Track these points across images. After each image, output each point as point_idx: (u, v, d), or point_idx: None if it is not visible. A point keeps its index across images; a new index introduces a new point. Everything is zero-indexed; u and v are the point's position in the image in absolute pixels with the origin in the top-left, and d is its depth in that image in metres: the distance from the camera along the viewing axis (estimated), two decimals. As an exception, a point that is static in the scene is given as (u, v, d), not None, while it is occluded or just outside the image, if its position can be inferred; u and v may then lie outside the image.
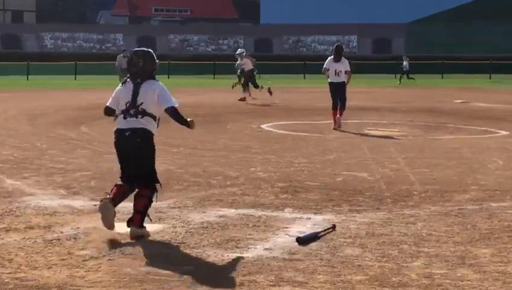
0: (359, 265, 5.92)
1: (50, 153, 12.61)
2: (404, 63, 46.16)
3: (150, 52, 7.10)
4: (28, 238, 6.64)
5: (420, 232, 7.08)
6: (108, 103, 7.24)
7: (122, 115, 6.94)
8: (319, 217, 7.71)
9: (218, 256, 6.12)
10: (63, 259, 5.97)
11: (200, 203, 8.38)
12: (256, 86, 27.93)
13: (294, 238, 6.61)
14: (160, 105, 6.94)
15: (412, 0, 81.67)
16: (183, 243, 6.57)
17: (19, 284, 5.27)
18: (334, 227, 7.11)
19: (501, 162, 11.97)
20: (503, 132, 17.22)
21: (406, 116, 21.46)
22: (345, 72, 17.85)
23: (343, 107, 17.59)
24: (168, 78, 55.84)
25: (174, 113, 7.03)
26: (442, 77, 55.97)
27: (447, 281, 5.50)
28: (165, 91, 6.99)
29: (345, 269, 5.79)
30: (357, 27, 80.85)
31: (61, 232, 6.91)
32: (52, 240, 6.58)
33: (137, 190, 6.94)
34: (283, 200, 8.64)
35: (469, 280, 5.55)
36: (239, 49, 30.98)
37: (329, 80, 17.90)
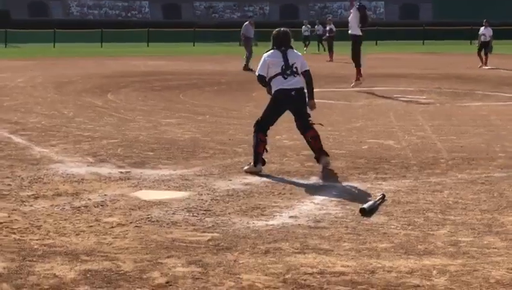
0: (384, 233, 5.92)
1: (77, 121, 12.70)
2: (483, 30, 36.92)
3: (288, 30, 8.79)
4: (56, 205, 6.71)
5: (446, 200, 7.06)
6: (260, 71, 8.63)
7: (281, 76, 8.42)
8: (344, 185, 7.71)
9: (244, 223, 6.15)
10: (91, 226, 6.03)
11: (226, 170, 8.41)
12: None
13: (358, 210, 6.52)
14: (302, 68, 8.53)
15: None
16: (209, 210, 6.60)
17: (47, 251, 5.34)
18: (384, 196, 7.06)
19: (529, 130, 11.85)
20: (532, 99, 17.02)
21: (434, 83, 21.28)
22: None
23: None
24: (194, 45, 55.80)
25: (310, 75, 8.63)
26: (470, 43, 55.33)
27: (473, 249, 5.48)
28: (303, 57, 8.76)
29: (370, 237, 5.79)
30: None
31: (89, 199, 6.98)
32: (79, 207, 6.65)
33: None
34: (308, 168, 8.64)
35: (495, 248, 5.53)
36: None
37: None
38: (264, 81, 8.60)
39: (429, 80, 22.44)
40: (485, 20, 32.21)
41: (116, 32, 58.45)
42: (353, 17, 18.42)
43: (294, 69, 8.44)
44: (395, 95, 17.48)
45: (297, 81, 8.47)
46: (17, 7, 74.68)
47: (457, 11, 73.90)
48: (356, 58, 18.34)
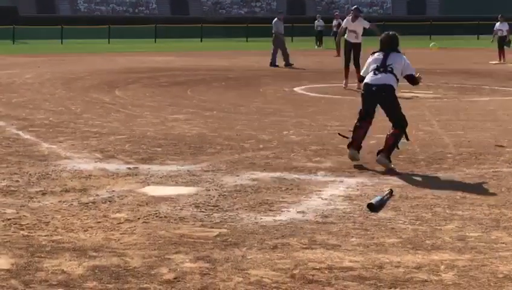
0: (392, 228, 5.92)
1: (85, 117, 12.72)
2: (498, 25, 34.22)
3: (396, 34, 9.26)
4: (64, 201, 6.73)
5: (454, 195, 7.05)
6: (363, 73, 9.18)
7: (372, 72, 8.78)
8: (352, 180, 7.70)
9: (252, 219, 6.16)
10: (99, 222, 6.05)
11: (234, 166, 8.41)
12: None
13: (366, 205, 6.51)
14: (405, 71, 8.96)
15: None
16: (217, 206, 6.61)
17: (55, 247, 5.36)
18: (391, 191, 7.05)
19: (537, 125, 11.82)
20: (540, 94, 16.96)
21: (441, 78, 21.24)
22: (369, 28, 18.72)
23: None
24: (201, 41, 55.79)
25: (413, 80, 9.20)
26: (478, 38, 55.19)
27: (481, 244, 5.48)
28: (409, 62, 9.05)
29: (378, 232, 5.79)
30: (391, -13, 79.80)
31: (97, 195, 7.00)
32: (87, 203, 6.67)
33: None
34: (316, 163, 8.64)
35: (503, 243, 5.53)
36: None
37: (346, 38, 18.98)
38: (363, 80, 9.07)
39: (436, 75, 22.38)
40: (500, 15, 32.01)
41: (124, 29, 58.48)
42: (360, 25, 18.72)
43: (389, 69, 8.72)
44: (402, 90, 17.42)
45: (384, 79, 8.68)
46: (25, 3, 74.79)
47: (464, 6, 73.66)
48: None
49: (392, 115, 8.80)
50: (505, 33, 30.40)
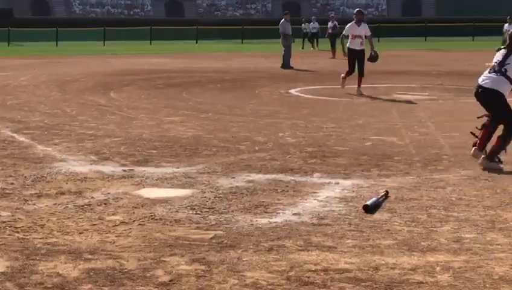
0: (388, 230, 5.92)
1: (80, 119, 12.71)
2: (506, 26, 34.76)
3: None
4: (59, 204, 6.72)
5: (449, 197, 7.05)
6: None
7: (487, 71, 8.69)
8: (347, 182, 7.70)
9: (247, 221, 6.16)
10: (94, 224, 6.04)
11: (229, 168, 8.41)
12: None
13: (361, 207, 6.50)
14: None
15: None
16: (212, 208, 6.61)
17: (51, 249, 5.34)
18: (387, 193, 7.05)
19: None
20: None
21: (436, 79, 21.27)
22: (365, 36, 17.35)
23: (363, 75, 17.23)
24: (196, 43, 55.78)
25: None
26: (473, 40, 55.28)
27: (477, 245, 5.48)
28: None
29: (373, 234, 5.79)
30: (386, -11, 79.88)
31: (92, 197, 6.99)
32: (83, 206, 6.66)
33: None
34: (311, 165, 8.65)
35: (499, 244, 5.53)
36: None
37: (350, 46, 17.39)
38: None
39: (432, 76, 22.43)
40: (508, 17, 31.93)
41: (119, 31, 58.43)
42: (364, 30, 17.37)
43: (503, 70, 8.56)
44: (397, 92, 17.46)
45: (492, 82, 8.62)
46: (20, 5, 74.70)
47: (459, 8, 73.78)
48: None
49: (499, 118, 8.73)
50: None
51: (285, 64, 26.46)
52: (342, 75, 17.69)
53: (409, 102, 15.70)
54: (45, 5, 78.65)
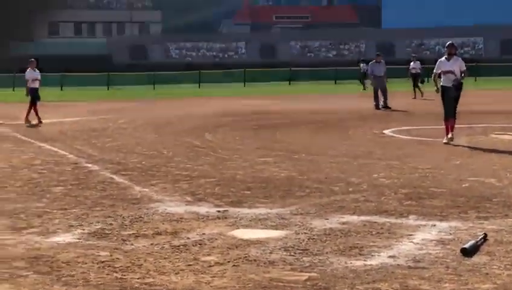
0: (487, 273, 5.75)
1: (176, 161, 12.94)
2: None
3: None
4: (156, 244, 6.83)
5: (552, 240, 6.80)
6: None
7: None
8: (444, 224, 7.54)
9: (342, 263, 6.10)
10: (190, 265, 6.10)
11: (323, 209, 8.37)
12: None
13: (459, 250, 6.36)
14: None
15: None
16: (306, 249, 6.58)
17: (147, 289, 5.43)
18: (485, 236, 6.87)
19: None
20: None
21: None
22: (461, 72, 15.68)
23: (455, 117, 15.56)
24: (289, 84, 56.16)
25: None
26: None
27: None
28: None
29: (472, 278, 5.64)
30: (483, 28, 78.52)
31: (188, 238, 7.07)
32: (179, 246, 6.74)
33: None
34: (407, 206, 8.51)
35: None
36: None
37: (442, 84, 15.81)
38: None
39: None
40: None
41: (214, 73, 59.51)
42: (457, 65, 15.75)
43: None
44: (495, 132, 17.07)
45: None
46: (119, 51, 77.15)
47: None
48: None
49: None
50: None
51: (378, 105, 26.39)
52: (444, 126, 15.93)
53: (508, 142, 15.30)
54: (143, 50, 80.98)
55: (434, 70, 16.14)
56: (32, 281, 5.64)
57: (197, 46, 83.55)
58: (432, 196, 9.06)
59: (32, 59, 23.81)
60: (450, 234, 7.12)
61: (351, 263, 6.11)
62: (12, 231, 7.48)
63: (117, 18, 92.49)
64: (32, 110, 22.86)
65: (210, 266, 6.06)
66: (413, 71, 35.24)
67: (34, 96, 23.07)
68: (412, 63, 35.53)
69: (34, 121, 22.53)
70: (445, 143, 15.17)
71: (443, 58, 16.02)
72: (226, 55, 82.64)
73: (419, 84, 34.54)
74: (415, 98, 33.34)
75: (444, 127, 15.64)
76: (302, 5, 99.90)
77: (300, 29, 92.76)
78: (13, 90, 52.08)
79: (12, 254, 6.48)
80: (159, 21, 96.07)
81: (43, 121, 22.63)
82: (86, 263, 6.13)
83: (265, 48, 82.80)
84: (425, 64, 36.37)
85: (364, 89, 44.29)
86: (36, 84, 23.26)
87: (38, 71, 23.52)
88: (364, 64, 45.30)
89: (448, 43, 16.43)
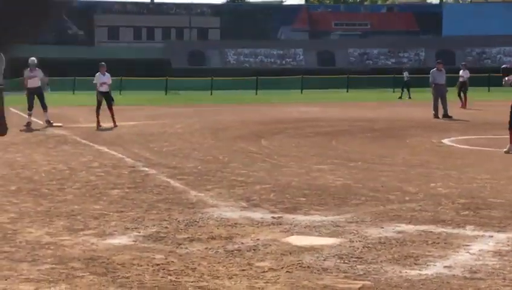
0: (546, 287, 5.63)
1: (231, 166, 12.99)
2: None
3: None
4: (210, 248, 6.87)
5: None
6: None
7: None
8: (502, 235, 7.41)
9: (396, 272, 6.04)
10: (243, 270, 6.12)
11: (378, 218, 8.31)
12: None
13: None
14: None
15: None
16: (361, 257, 6.54)
17: (201, 293, 5.46)
18: None
19: None
20: None
21: None
22: None
23: None
24: (347, 91, 55.93)
25: None
26: None
27: None
28: None
29: (530, 291, 5.52)
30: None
31: (242, 243, 7.09)
32: (233, 251, 6.77)
33: None
34: (464, 217, 8.39)
35: None
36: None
37: None
38: None
39: None
40: None
41: (271, 80, 59.63)
42: None
43: None
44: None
45: None
46: (178, 56, 77.91)
47: None
48: None
49: None
50: None
51: (438, 114, 26.06)
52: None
53: None
54: (201, 55, 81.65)
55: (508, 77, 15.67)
56: (88, 281, 5.73)
57: (255, 52, 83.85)
58: (490, 206, 8.91)
59: (103, 63, 24.09)
60: (508, 245, 6.99)
61: (405, 272, 6.04)
62: (69, 232, 7.61)
63: (176, 23, 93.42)
64: (100, 114, 23.05)
65: (264, 271, 6.07)
66: (461, 79, 34.15)
67: (102, 100, 23.30)
68: (461, 71, 34.63)
69: (105, 124, 22.75)
70: (505, 152, 14.91)
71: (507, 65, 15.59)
72: (284, 62, 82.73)
73: (461, 93, 33.61)
74: (463, 107, 32.67)
75: (508, 136, 15.28)
76: (361, 12, 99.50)
77: (359, 36, 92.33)
78: (73, 94, 53.06)
79: (69, 255, 6.59)
80: (217, 27, 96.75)
81: (103, 124, 22.91)
82: (141, 266, 6.20)
83: (324, 55, 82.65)
84: (488, 73, 35.70)
85: (400, 97, 44.04)
86: (104, 88, 23.56)
87: (108, 75, 23.81)
88: (407, 73, 45.13)
89: None
